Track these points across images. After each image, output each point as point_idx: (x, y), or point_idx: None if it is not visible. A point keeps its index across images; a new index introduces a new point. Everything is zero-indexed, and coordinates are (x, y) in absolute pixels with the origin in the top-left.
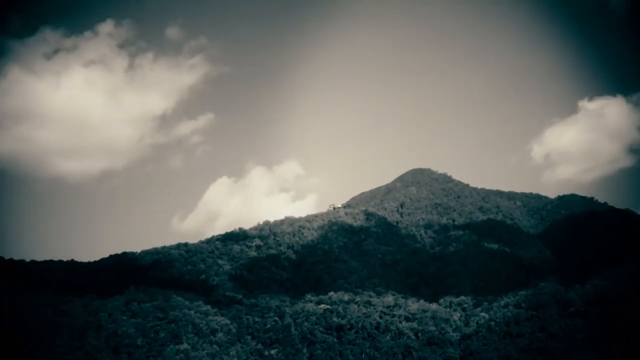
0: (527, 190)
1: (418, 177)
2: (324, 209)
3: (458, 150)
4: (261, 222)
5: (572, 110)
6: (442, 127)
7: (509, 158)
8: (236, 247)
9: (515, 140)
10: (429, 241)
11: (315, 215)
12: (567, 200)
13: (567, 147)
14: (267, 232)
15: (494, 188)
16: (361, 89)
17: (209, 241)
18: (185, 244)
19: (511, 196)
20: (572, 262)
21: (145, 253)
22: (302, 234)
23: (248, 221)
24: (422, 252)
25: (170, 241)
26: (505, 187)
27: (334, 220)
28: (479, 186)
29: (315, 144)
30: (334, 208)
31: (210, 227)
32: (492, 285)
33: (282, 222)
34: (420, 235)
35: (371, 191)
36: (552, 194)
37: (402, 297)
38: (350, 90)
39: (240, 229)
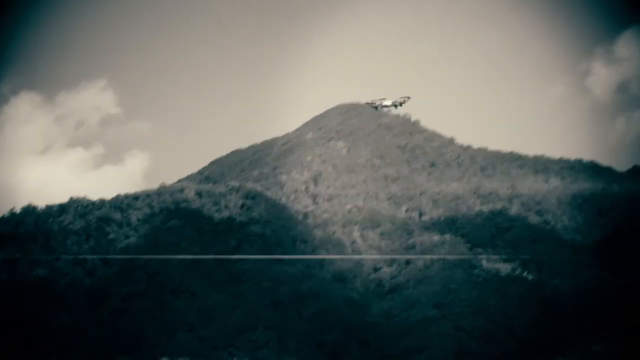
0: (573, 156)
1: (350, 122)
2: (154, 184)
3: (432, 68)
4: (19, 209)
5: None
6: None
7: (540, 88)
8: None
9: (554, 52)
10: (371, 254)
11: (136, 197)
12: None
13: None
14: (31, 230)
15: (507, 149)
16: None
17: None
18: None
19: (541, 166)
20: None
21: None
22: (106, 234)
23: None
24: (356, 277)
25: None
26: (529, 149)
27: (173, 207)
28: (476, 144)
29: (147, 47)
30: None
31: None
32: (500, 347)
33: (62, 209)
34: (354, 242)
35: (253, 149)
36: (623, 163)
37: None
38: None
39: None
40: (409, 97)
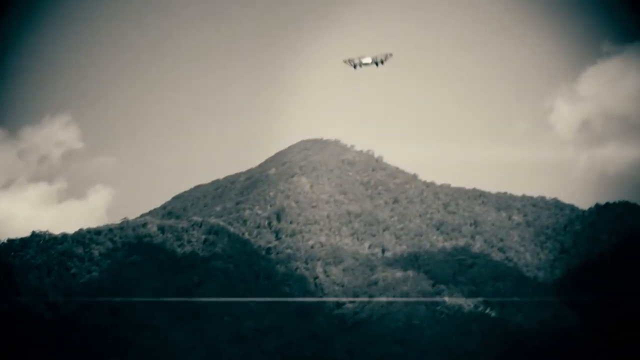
0: (536, 193)
1: (314, 158)
2: (117, 218)
3: (396, 107)
4: None
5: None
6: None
7: (503, 124)
8: None
9: (519, 90)
10: (334, 290)
11: (98, 232)
12: (617, 214)
13: (621, 105)
14: None
15: (469, 186)
16: None
17: None
18: None
19: (503, 203)
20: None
21: None
22: (68, 269)
23: None
24: (319, 313)
25: None
26: (492, 186)
27: (135, 241)
28: (439, 181)
29: (110, 83)
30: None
31: None
32: None
33: (24, 243)
34: (316, 278)
35: (216, 184)
36: (585, 201)
37: None
38: None
39: None
40: (391, 54)
